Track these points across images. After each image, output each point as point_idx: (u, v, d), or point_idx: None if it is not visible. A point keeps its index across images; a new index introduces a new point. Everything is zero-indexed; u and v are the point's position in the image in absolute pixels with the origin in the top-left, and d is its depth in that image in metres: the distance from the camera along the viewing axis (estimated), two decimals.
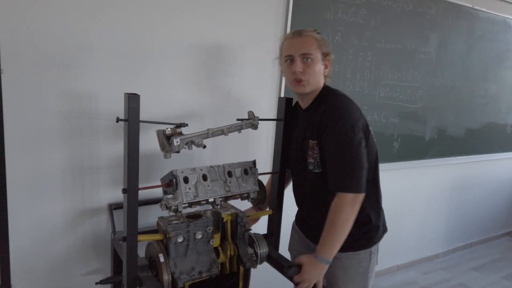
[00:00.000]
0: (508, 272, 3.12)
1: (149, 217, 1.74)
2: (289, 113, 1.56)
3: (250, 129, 1.55)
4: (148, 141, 1.57)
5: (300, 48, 1.32)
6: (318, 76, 1.36)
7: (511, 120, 3.42)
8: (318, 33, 1.39)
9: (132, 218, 1.34)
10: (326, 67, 1.39)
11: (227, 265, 1.55)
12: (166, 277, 1.38)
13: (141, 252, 1.45)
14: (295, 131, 1.51)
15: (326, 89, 1.43)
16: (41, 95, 1.50)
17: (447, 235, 3.30)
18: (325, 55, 1.37)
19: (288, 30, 2.01)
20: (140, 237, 1.39)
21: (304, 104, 1.46)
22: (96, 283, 1.60)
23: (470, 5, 2.80)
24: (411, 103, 2.66)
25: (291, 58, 1.34)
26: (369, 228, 1.48)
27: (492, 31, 3.01)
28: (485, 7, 2.90)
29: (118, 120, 1.28)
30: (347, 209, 1.29)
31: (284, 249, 1.77)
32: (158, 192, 1.58)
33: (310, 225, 1.57)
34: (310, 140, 1.37)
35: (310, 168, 1.39)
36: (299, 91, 1.38)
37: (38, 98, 1.50)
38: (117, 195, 1.73)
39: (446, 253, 3.30)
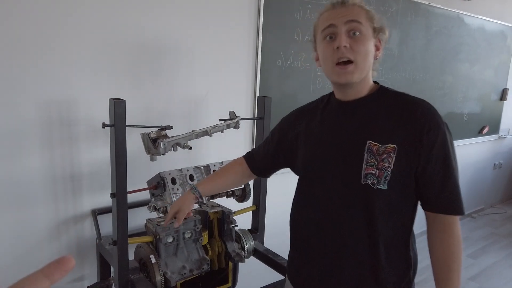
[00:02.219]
0: (472, 251, 3.35)
1: (134, 220, 1.75)
2: (322, 107, 1.10)
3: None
4: (129, 145, 1.58)
5: (346, 15, 0.94)
6: (369, 58, 0.96)
7: (467, 109, 3.65)
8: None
9: (122, 221, 1.36)
10: (377, 49, 0.99)
11: (216, 261, 1.60)
12: (158, 278, 1.41)
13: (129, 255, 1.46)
14: (320, 128, 1.07)
15: (380, 86, 1.04)
16: (19, 103, 1.48)
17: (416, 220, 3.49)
18: (377, 31, 0.98)
19: (261, 31, 2.07)
20: (130, 240, 1.41)
21: (346, 97, 1.03)
22: None
23: (426, 2, 2.97)
24: None
25: (333, 31, 0.95)
26: (411, 273, 1.04)
27: (447, 26, 3.21)
28: (440, 4, 3.09)
29: (104, 125, 1.29)
30: (459, 233, 0.98)
31: (269, 243, 1.84)
32: (141, 195, 1.61)
33: (334, 274, 1.04)
34: (378, 144, 0.94)
35: (369, 182, 0.95)
36: (344, 80, 0.96)
37: (16, 106, 1.48)
38: (100, 201, 1.73)
39: (416, 236, 3.49)
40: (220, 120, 1.56)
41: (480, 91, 3.73)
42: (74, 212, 1.69)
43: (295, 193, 1.15)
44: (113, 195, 1.34)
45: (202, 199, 1.28)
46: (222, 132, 1.56)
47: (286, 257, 1.64)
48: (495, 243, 3.54)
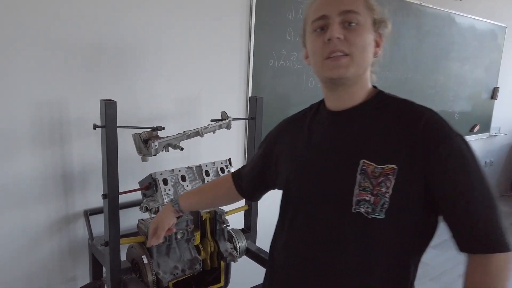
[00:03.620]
0: None
1: (126, 220, 1.75)
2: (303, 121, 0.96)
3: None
4: (120, 146, 1.58)
5: (339, 4, 0.80)
6: (367, 54, 0.82)
7: (458, 108, 3.68)
8: None
9: (113, 222, 1.37)
10: (378, 45, 0.85)
11: (208, 261, 1.60)
12: (150, 278, 1.42)
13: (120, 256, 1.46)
14: (306, 142, 0.92)
15: (379, 91, 0.88)
16: (11, 104, 1.47)
17: None
18: (377, 24, 0.84)
19: (253, 31, 2.07)
20: (122, 241, 1.42)
21: (338, 105, 0.87)
22: None
23: (418, 2, 3.00)
24: None
25: (324, 22, 0.81)
26: None
27: (438, 26, 3.24)
28: (431, 4, 3.11)
29: (95, 126, 1.29)
30: (506, 276, 0.74)
31: (261, 243, 1.85)
32: (134, 195, 1.61)
33: None
34: (374, 164, 0.79)
35: (362, 210, 0.79)
36: (336, 74, 0.80)
37: (7, 107, 1.47)
38: (92, 201, 1.73)
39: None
40: (212, 120, 1.57)
41: (471, 89, 3.77)
42: (66, 212, 1.68)
43: (279, 216, 0.98)
44: (104, 196, 1.34)
45: (182, 213, 1.15)
46: (214, 132, 1.56)
47: None
48: None
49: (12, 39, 1.44)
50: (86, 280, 1.77)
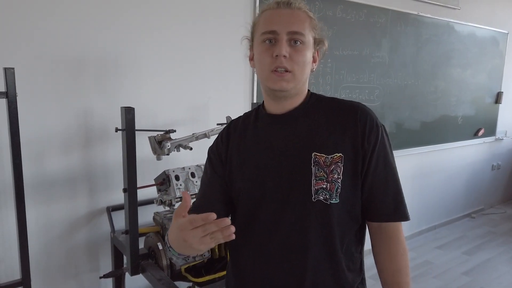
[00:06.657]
0: (468, 248, 3.47)
1: (144, 218, 1.95)
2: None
3: None
4: (138, 148, 1.78)
5: (290, 23, 0.88)
6: (307, 70, 0.92)
7: (461, 112, 3.80)
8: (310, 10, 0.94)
9: (132, 213, 1.57)
10: (314, 60, 0.95)
11: (216, 250, 1.79)
12: (165, 262, 1.61)
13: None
14: (255, 147, 0.97)
15: (311, 92, 0.99)
16: (44, 113, 1.71)
17: (412, 220, 3.61)
18: (317, 42, 0.93)
19: None
20: (140, 229, 1.62)
21: (280, 109, 0.95)
22: (100, 277, 1.82)
23: (415, 12, 3.16)
24: (369, 102, 2.98)
25: (274, 37, 0.88)
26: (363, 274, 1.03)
27: (437, 34, 3.39)
28: (429, 13, 3.27)
29: (117, 130, 1.51)
30: (404, 240, 0.95)
31: None
32: (150, 194, 1.81)
33: None
34: (324, 155, 0.89)
35: (321, 198, 0.88)
36: (279, 86, 0.89)
37: (41, 116, 1.71)
38: (113, 198, 1.94)
39: (412, 236, 3.63)
40: (217, 124, 1.77)
41: (473, 94, 3.87)
42: (91, 208, 1.90)
43: (236, 218, 0.99)
44: (125, 190, 1.55)
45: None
46: None
47: None
48: (492, 240, 3.65)
49: (47, 61, 1.68)
50: (110, 269, 1.98)
